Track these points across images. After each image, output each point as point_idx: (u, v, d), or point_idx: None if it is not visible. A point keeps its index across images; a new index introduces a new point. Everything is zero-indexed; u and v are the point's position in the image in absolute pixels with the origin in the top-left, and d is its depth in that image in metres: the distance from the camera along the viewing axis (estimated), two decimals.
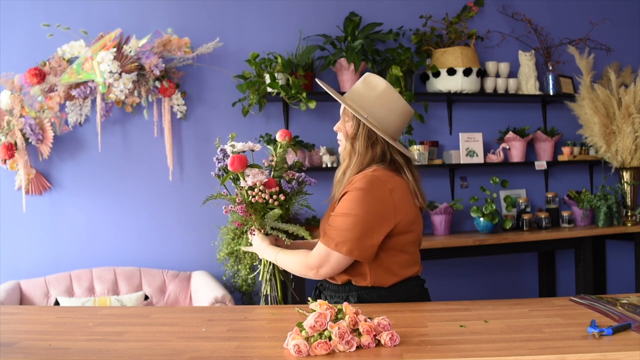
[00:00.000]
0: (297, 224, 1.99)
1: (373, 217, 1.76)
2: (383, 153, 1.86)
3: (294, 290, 2.14)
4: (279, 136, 2.06)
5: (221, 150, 2.03)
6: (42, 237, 3.63)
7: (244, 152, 1.99)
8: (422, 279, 1.97)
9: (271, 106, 3.88)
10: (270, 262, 2.06)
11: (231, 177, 2.01)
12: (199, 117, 3.83)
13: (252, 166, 1.97)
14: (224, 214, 2.01)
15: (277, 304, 2.05)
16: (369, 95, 1.88)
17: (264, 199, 1.92)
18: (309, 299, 1.56)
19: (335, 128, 1.96)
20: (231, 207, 1.96)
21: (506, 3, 4.31)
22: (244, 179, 1.95)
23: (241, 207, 1.93)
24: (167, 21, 3.74)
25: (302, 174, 2.10)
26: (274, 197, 1.93)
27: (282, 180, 2.02)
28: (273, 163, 2.09)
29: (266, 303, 2.06)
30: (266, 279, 2.07)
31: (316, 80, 2.05)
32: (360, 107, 1.87)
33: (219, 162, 2.03)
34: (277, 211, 1.94)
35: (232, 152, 1.99)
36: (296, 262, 1.88)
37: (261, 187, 1.92)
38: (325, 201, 2.03)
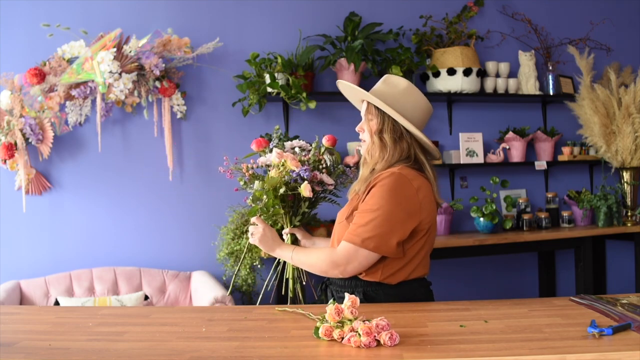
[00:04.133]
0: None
1: (400, 213, 1.77)
2: (408, 149, 1.90)
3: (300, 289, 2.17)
4: (325, 140, 2.20)
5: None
6: (42, 237, 3.63)
7: (293, 147, 2.17)
8: (429, 280, 1.98)
9: (271, 106, 3.88)
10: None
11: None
12: (199, 117, 3.83)
13: (277, 147, 2.13)
14: (234, 192, 2.20)
15: (290, 293, 2.10)
16: (392, 92, 1.92)
17: (257, 175, 2.05)
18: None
19: (357, 128, 1.98)
20: (229, 171, 2.12)
21: (506, 3, 4.31)
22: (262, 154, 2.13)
23: (229, 171, 2.10)
24: (167, 21, 3.74)
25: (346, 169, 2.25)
26: (302, 181, 2.01)
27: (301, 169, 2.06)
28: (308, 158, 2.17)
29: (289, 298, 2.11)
30: (292, 277, 2.12)
31: (338, 81, 2.08)
32: (385, 103, 1.90)
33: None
34: (258, 183, 2.05)
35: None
36: (320, 259, 1.86)
37: (255, 165, 2.08)
38: (348, 194, 2.02)
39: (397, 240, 1.77)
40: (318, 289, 2.07)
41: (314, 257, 1.89)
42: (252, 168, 2.09)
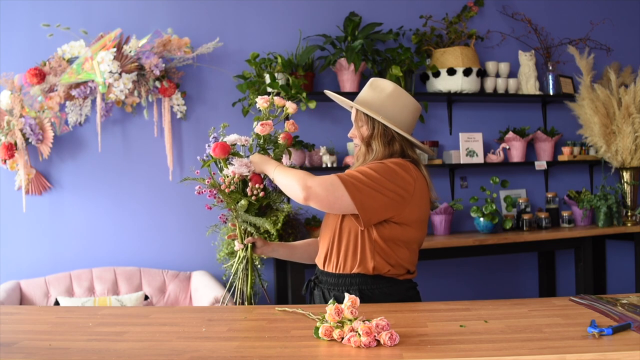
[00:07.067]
0: (273, 219, 1.97)
1: (392, 186, 1.79)
2: (402, 149, 1.92)
3: (265, 290, 2.12)
4: (281, 138, 2.06)
5: (213, 137, 2.03)
6: (42, 237, 3.63)
7: (234, 144, 2.00)
8: (415, 282, 1.99)
9: None
10: (244, 256, 2.05)
11: (217, 164, 2.00)
12: (199, 117, 3.83)
13: (234, 154, 1.97)
14: (196, 195, 2.03)
15: (245, 300, 2.02)
16: (379, 96, 1.93)
17: (238, 191, 1.93)
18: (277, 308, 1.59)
19: (350, 135, 2.00)
20: (199, 187, 1.98)
21: (506, 3, 4.31)
22: (225, 166, 1.95)
23: (210, 191, 1.96)
24: (167, 21, 3.74)
25: None
26: (255, 192, 1.93)
27: (267, 178, 2.00)
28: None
29: (235, 298, 2.04)
30: (237, 272, 2.05)
31: (325, 91, 2.07)
32: (372, 110, 1.91)
33: (208, 148, 2.03)
34: (244, 202, 1.93)
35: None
36: (297, 175, 1.81)
37: (235, 179, 1.91)
38: None
39: (375, 206, 1.77)
40: (303, 288, 2.06)
41: (291, 172, 1.83)
42: (233, 183, 1.91)
